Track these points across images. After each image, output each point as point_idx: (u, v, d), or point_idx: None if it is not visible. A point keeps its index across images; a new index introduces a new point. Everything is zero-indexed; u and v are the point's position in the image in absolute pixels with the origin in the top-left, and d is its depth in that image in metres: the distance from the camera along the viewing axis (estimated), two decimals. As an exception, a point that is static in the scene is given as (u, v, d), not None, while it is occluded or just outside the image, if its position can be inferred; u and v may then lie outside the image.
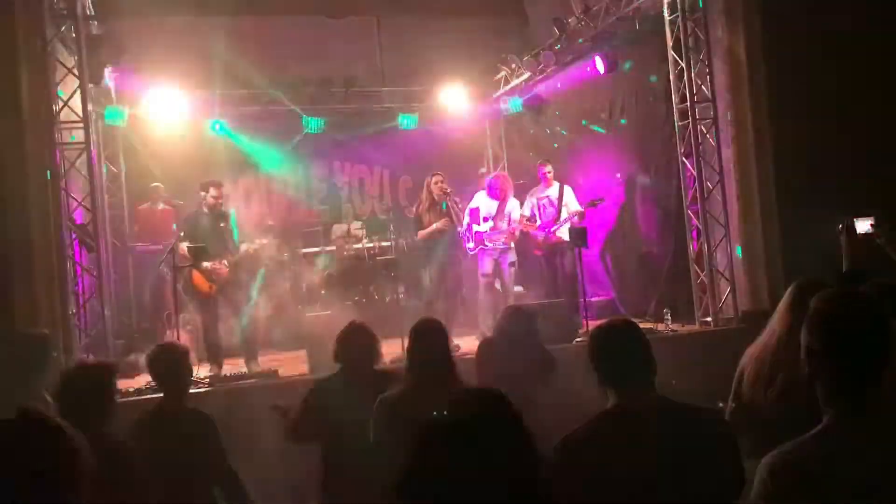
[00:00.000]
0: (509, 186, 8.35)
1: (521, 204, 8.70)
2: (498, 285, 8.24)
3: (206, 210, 7.28)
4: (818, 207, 6.95)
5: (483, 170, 11.78)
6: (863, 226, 4.18)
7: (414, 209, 8.32)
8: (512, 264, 8.15)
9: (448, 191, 7.73)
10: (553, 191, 8.50)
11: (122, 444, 3.18)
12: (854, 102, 7.06)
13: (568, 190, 8.51)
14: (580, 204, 8.42)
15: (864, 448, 1.88)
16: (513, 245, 8.16)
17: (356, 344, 4.06)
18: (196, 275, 7.16)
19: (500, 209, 8.09)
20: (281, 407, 4.22)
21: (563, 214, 8.35)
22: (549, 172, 8.53)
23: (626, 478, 2.30)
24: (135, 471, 3.07)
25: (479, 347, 5.23)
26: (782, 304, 3.15)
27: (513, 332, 4.86)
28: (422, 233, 7.83)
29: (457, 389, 1.99)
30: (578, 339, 7.07)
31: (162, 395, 4.01)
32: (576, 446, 2.40)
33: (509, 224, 8.14)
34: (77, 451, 1.75)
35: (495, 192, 8.17)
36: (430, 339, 3.72)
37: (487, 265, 8.03)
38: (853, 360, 1.92)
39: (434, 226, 7.71)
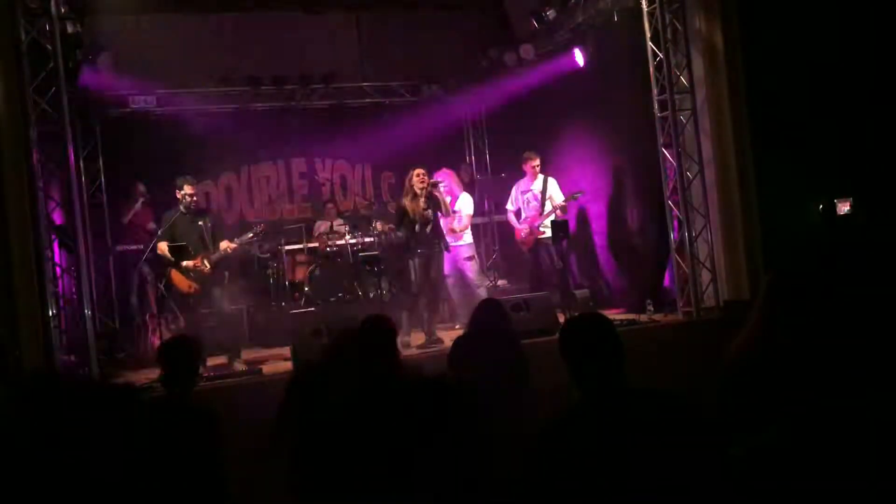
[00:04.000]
0: (456, 183, 8.43)
1: (508, 197, 8.72)
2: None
3: (182, 208, 7.24)
4: (798, 194, 7.02)
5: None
6: (843, 207, 4.21)
7: (396, 203, 8.33)
8: (469, 258, 8.22)
9: (431, 182, 7.76)
10: (538, 184, 8.52)
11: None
12: (831, 89, 7.12)
13: (552, 182, 8.53)
14: (563, 197, 8.46)
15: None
16: (466, 239, 8.24)
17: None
18: (176, 274, 7.13)
19: (450, 206, 8.11)
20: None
21: (547, 207, 8.38)
22: (536, 166, 8.53)
23: (598, 468, 2.32)
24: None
25: (454, 343, 5.22)
26: (759, 298, 3.17)
27: (485, 325, 4.85)
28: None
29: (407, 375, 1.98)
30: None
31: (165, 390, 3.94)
32: (547, 438, 2.42)
33: (460, 222, 8.30)
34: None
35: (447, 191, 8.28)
36: (376, 337, 3.66)
37: (446, 264, 8.09)
38: None
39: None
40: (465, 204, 8.47)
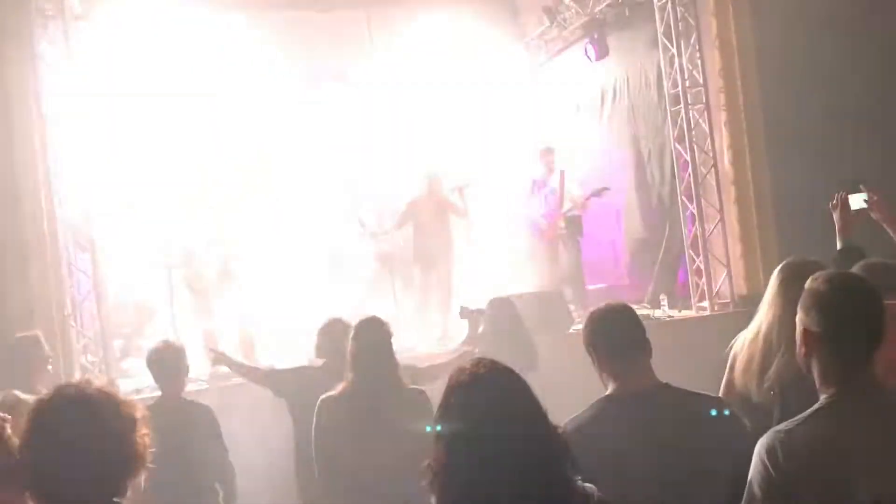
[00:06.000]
0: None
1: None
2: None
3: None
4: (812, 187, 6.97)
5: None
6: (856, 201, 4.15)
7: (409, 203, 8.27)
8: None
9: (454, 187, 7.79)
10: (555, 178, 8.37)
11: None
12: (846, 81, 7.06)
13: (569, 177, 8.39)
14: (584, 192, 8.33)
15: (861, 426, 1.89)
16: None
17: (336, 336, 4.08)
18: (188, 273, 7.13)
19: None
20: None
21: (566, 203, 8.23)
22: (553, 161, 8.40)
23: (629, 461, 2.31)
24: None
25: (463, 341, 5.21)
26: (771, 288, 3.13)
27: (496, 322, 4.86)
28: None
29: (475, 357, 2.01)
30: (574, 329, 7.06)
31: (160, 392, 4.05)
32: (578, 431, 2.38)
33: None
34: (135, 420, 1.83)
35: None
36: (371, 336, 3.63)
37: None
38: (851, 342, 1.93)
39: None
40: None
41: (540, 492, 1.74)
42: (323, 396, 3.58)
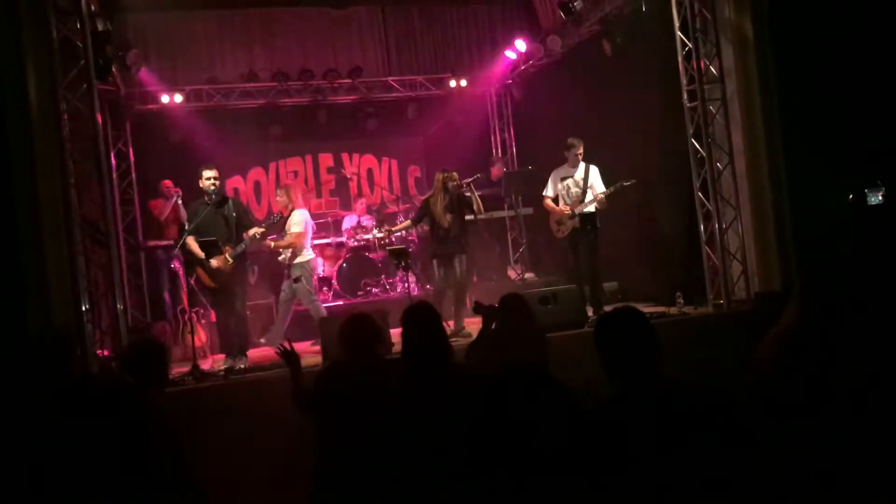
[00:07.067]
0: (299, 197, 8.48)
1: (543, 187, 8.50)
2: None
3: (205, 198, 7.23)
4: (830, 184, 6.91)
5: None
6: (874, 197, 4.12)
7: (423, 201, 8.26)
8: (296, 280, 8.07)
9: (462, 182, 7.77)
10: (580, 171, 8.23)
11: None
12: (863, 77, 7.00)
13: (594, 171, 8.14)
14: (607, 186, 8.23)
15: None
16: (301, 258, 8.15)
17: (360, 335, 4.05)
18: (201, 270, 7.15)
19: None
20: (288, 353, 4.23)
21: (588, 196, 8.15)
22: (580, 154, 8.26)
23: (635, 458, 2.31)
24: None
25: (476, 337, 5.21)
26: (796, 288, 3.13)
27: (509, 318, 4.85)
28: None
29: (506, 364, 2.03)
30: (588, 326, 7.04)
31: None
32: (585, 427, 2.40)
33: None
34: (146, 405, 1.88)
35: None
36: (423, 323, 3.72)
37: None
38: None
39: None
40: (295, 222, 8.16)
41: None
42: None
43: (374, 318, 4.12)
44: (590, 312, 7.51)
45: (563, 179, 8.22)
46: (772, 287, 7.22)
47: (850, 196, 4.12)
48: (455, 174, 7.82)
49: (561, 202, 8.22)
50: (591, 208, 7.98)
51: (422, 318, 3.75)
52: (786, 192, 7.29)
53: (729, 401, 2.56)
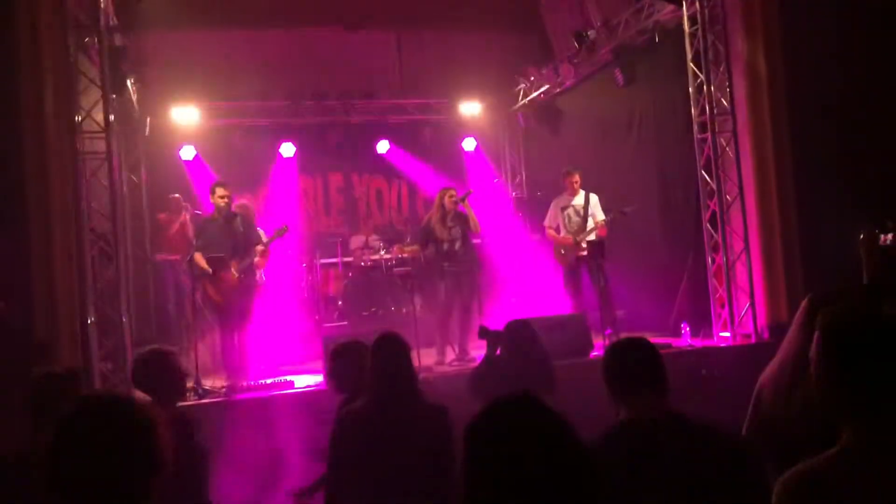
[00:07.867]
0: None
1: (546, 213, 8.52)
2: None
3: (217, 214, 7.29)
4: (839, 220, 6.89)
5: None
6: (885, 237, 4.10)
7: (424, 220, 8.27)
8: None
9: (458, 197, 7.78)
10: (579, 199, 8.30)
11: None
12: (875, 114, 7.00)
13: (594, 199, 8.27)
14: (608, 213, 8.24)
15: (882, 468, 1.84)
16: None
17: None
18: (207, 284, 7.17)
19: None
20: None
21: (589, 224, 8.18)
22: (577, 182, 8.35)
23: (636, 490, 2.29)
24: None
25: (480, 363, 5.16)
26: (796, 320, 3.09)
27: (514, 344, 4.82)
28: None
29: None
30: (595, 354, 7.01)
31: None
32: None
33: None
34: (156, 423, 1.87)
35: None
36: (391, 352, 3.58)
37: None
38: (870, 381, 1.88)
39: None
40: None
41: None
42: (344, 410, 3.57)
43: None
44: (596, 341, 7.47)
45: (563, 209, 8.31)
46: (779, 320, 7.19)
47: (861, 236, 4.09)
48: (453, 190, 7.83)
49: (563, 231, 8.28)
50: (593, 236, 8.03)
51: (389, 348, 3.60)
52: (795, 225, 7.29)
53: (734, 437, 2.55)
